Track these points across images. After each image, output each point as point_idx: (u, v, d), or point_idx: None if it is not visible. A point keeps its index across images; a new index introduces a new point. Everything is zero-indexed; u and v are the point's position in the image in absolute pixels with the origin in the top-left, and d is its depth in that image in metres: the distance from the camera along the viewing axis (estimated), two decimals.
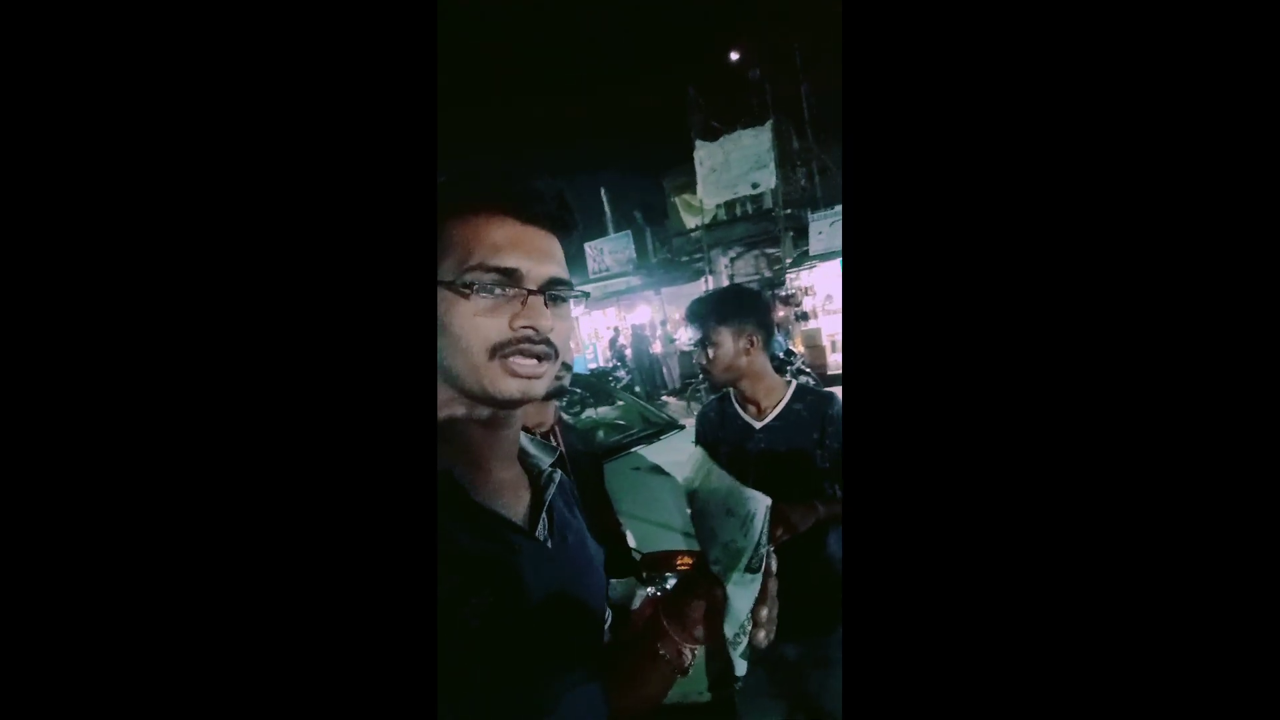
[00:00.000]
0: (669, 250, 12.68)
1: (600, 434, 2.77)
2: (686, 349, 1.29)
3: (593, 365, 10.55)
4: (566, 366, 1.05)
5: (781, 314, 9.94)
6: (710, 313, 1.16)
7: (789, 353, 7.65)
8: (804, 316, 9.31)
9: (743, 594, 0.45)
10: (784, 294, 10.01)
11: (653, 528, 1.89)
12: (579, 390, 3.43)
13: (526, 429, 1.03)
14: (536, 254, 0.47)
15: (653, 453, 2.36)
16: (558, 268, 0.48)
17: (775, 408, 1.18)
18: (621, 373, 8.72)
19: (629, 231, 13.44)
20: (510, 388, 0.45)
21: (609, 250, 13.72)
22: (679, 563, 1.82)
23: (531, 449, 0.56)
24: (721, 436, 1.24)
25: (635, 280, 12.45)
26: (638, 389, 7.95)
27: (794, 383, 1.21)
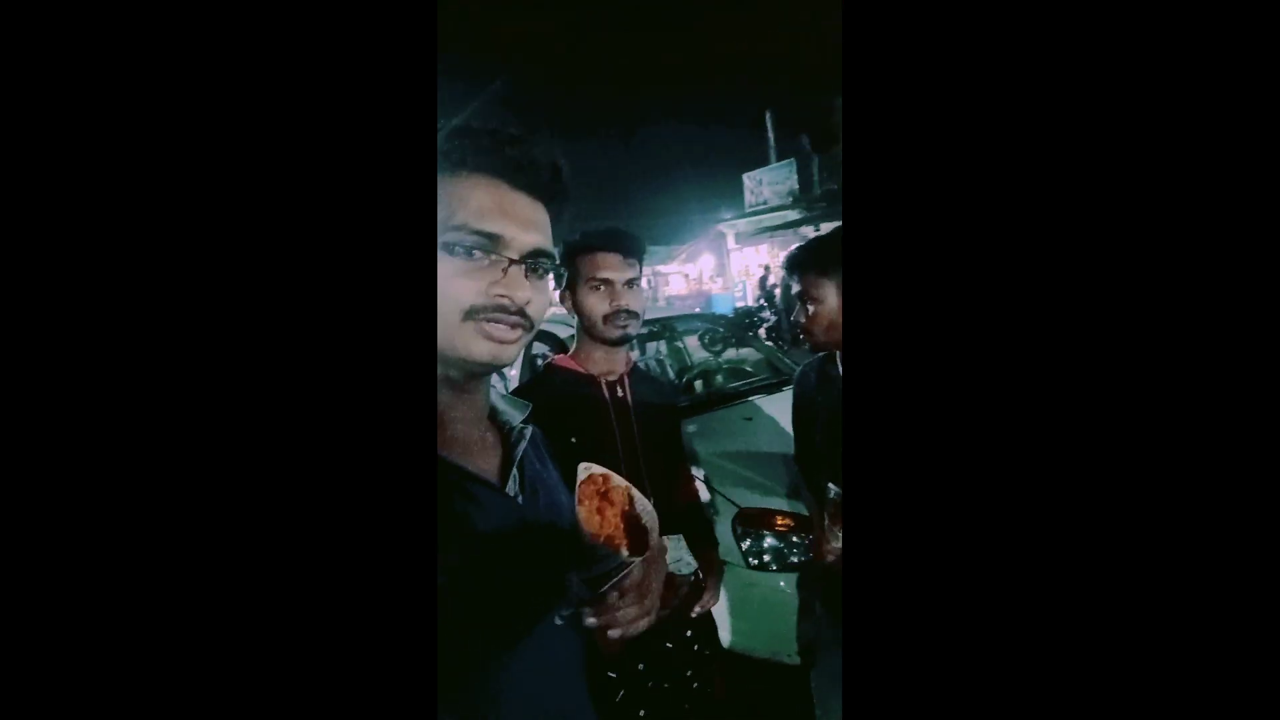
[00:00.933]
0: (836, 181, 11.52)
1: (719, 379, 2.69)
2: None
3: (740, 304, 10.26)
4: (634, 315, 1.00)
5: None
6: (812, 262, 1.00)
7: None
8: None
9: (576, 587, 0.45)
10: None
11: (755, 482, 1.81)
12: (721, 328, 3.38)
13: (591, 377, 1.02)
14: (522, 222, 0.46)
15: (770, 403, 2.23)
16: (542, 238, 0.48)
17: None
18: (767, 313, 8.34)
19: (792, 161, 12.40)
20: (480, 350, 0.45)
21: (768, 181, 12.87)
22: (779, 522, 1.73)
23: (502, 406, 0.55)
24: (821, 401, 1.10)
25: (793, 215, 11.61)
26: (784, 333, 7.60)
27: None
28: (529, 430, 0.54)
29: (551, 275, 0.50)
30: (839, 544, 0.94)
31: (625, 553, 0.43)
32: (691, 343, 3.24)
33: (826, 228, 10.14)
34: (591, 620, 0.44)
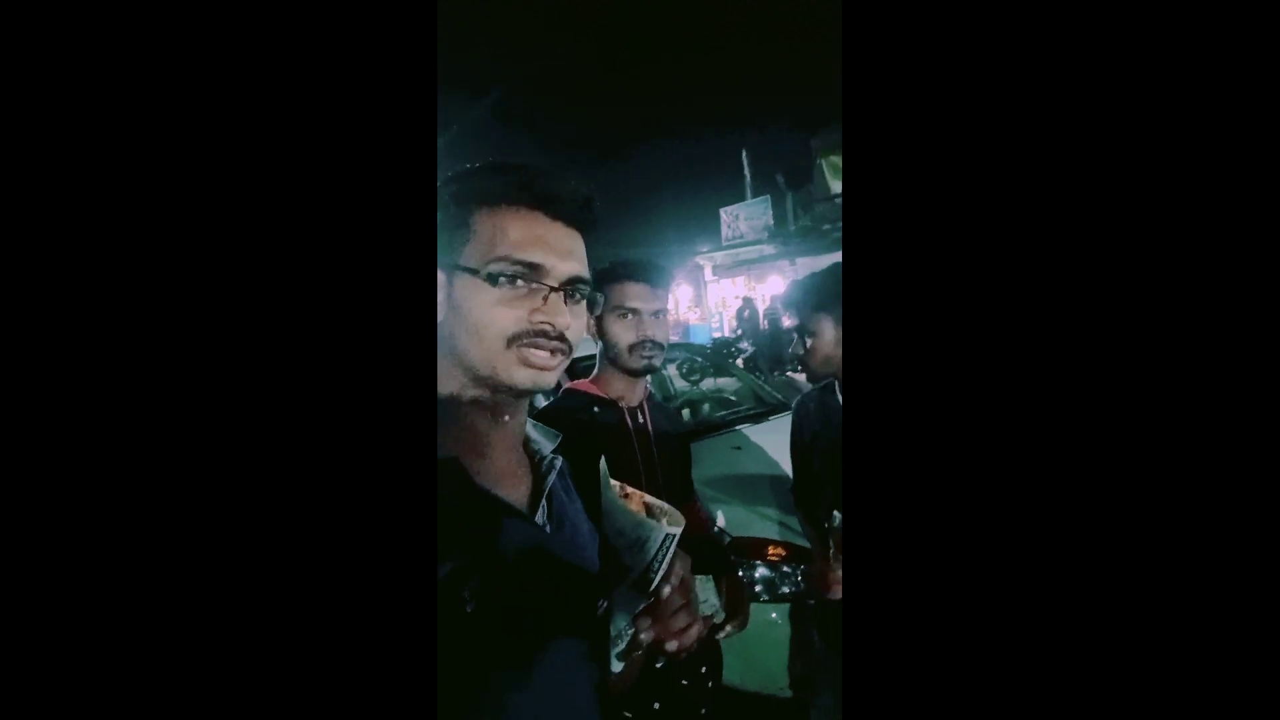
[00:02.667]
0: (810, 218, 11.90)
1: (706, 408, 2.71)
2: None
3: (717, 334, 10.40)
4: (659, 346, 1.01)
5: None
6: (809, 297, 1.03)
7: None
8: None
9: (625, 605, 0.45)
10: None
11: (745, 511, 1.81)
12: (700, 359, 3.42)
13: (607, 400, 1.02)
14: (560, 251, 0.48)
15: (758, 432, 2.25)
16: (579, 265, 0.49)
17: None
18: (745, 344, 8.46)
19: (768, 196, 12.79)
20: (522, 377, 0.46)
21: (744, 216, 13.23)
22: (771, 552, 1.73)
23: (534, 435, 0.55)
24: (819, 431, 1.12)
25: (769, 249, 11.91)
26: (761, 363, 7.70)
27: None
28: (559, 461, 0.55)
29: (587, 301, 0.51)
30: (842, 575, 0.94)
31: (664, 523, 0.43)
32: (670, 371, 3.27)
33: (802, 262, 10.41)
34: (646, 634, 0.44)
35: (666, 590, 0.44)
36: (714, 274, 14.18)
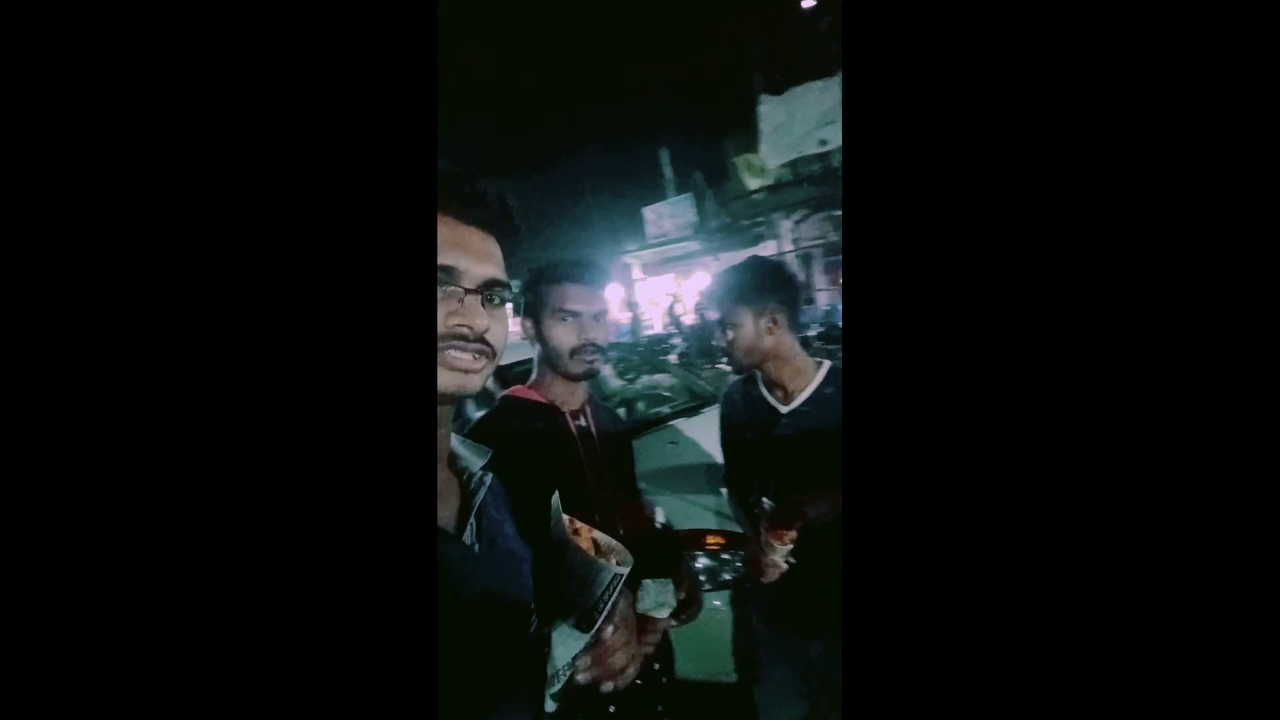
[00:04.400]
0: (729, 214, 12.27)
1: (640, 405, 2.73)
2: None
3: (649, 332, 10.51)
4: (601, 349, 1.00)
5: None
6: (728, 290, 1.07)
7: None
8: None
9: (565, 644, 0.45)
10: None
11: (684, 504, 1.85)
12: (634, 358, 3.43)
13: (547, 406, 1.01)
14: (475, 254, 0.48)
15: (692, 426, 2.30)
16: (496, 269, 0.49)
17: (804, 391, 1.08)
18: (677, 340, 8.61)
19: (690, 195, 13.06)
20: (445, 381, 0.45)
21: (668, 214, 13.43)
22: (709, 541, 1.77)
23: (462, 451, 0.54)
24: (747, 421, 1.16)
25: (693, 246, 12.17)
26: (692, 357, 7.85)
27: (826, 364, 1.11)
28: (489, 478, 0.53)
29: (511, 305, 0.51)
30: (778, 557, 0.98)
31: (613, 562, 0.43)
32: (606, 371, 3.26)
33: (725, 257, 10.71)
34: (584, 675, 0.43)
35: (609, 631, 0.44)
36: (643, 272, 14.33)
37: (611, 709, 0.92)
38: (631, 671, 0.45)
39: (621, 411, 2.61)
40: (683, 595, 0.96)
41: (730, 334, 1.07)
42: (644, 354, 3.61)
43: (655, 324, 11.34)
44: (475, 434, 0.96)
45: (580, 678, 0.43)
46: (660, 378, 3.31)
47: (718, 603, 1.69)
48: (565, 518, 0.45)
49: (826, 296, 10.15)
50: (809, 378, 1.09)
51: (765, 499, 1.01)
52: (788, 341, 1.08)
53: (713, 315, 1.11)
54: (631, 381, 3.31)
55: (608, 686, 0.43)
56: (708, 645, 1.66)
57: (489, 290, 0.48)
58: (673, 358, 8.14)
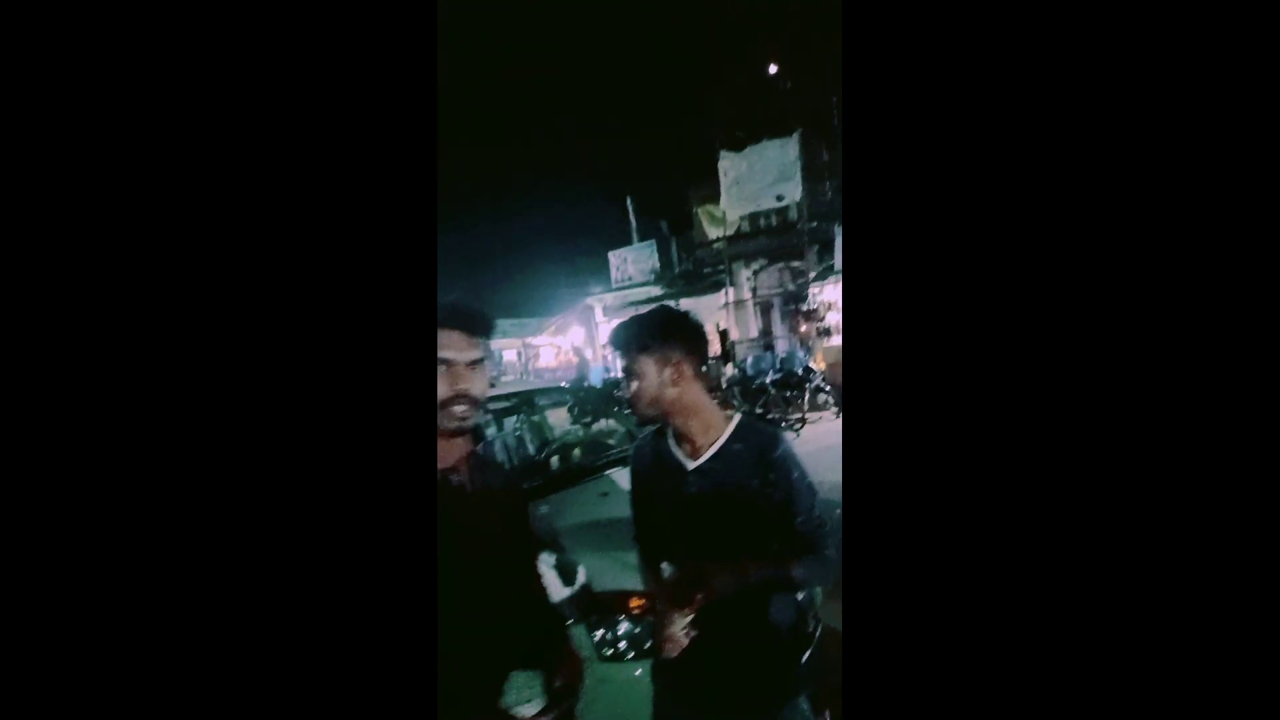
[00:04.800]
0: (692, 261, 12.53)
1: (576, 453, 2.62)
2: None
3: (607, 376, 10.43)
4: (475, 401, 0.91)
5: (804, 329, 9.69)
6: (631, 339, 1.01)
7: (808, 370, 7.41)
8: (827, 333, 9.04)
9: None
10: (806, 309, 9.75)
11: (608, 562, 1.73)
12: (590, 402, 3.35)
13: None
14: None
15: (626, 477, 2.20)
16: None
17: (711, 446, 1.02)
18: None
19: (653, 241, 13.33)
20: None
21: (632, 259, 13.66)
22: (633, 604, 1.66)
23: None
24: (654, 476, 1.08)
25: (656, 290, 12.33)
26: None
27: (736, 418, 1.05)
28: None
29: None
30: (677, 630, 0.88)
31: None
32: (558, 415, 3.15)
33: (686, 303, 10.86)
34: None
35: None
36: (605, 315, 14.40)
37: None
38: None
39: (555, 460, 2.50)
40: (559, 684, 0.85)
41: (634, 384, 1.00)
42: (598, 398, 3.52)
43: (615, 369, 11.30)
44: None
45: None
46: (611, 423, 3.22)
47: (638, 673, 1.56)
48: None
49: (784, 344, 10.34)
50: (718, 432, 1.03)
51: (665, 564, 0.92)
52: (694, 393, 1.01)
53: (621, 363, 1.04)
54: (588, 426, 3.21)
55: None
56: (629, 716, 1.52)
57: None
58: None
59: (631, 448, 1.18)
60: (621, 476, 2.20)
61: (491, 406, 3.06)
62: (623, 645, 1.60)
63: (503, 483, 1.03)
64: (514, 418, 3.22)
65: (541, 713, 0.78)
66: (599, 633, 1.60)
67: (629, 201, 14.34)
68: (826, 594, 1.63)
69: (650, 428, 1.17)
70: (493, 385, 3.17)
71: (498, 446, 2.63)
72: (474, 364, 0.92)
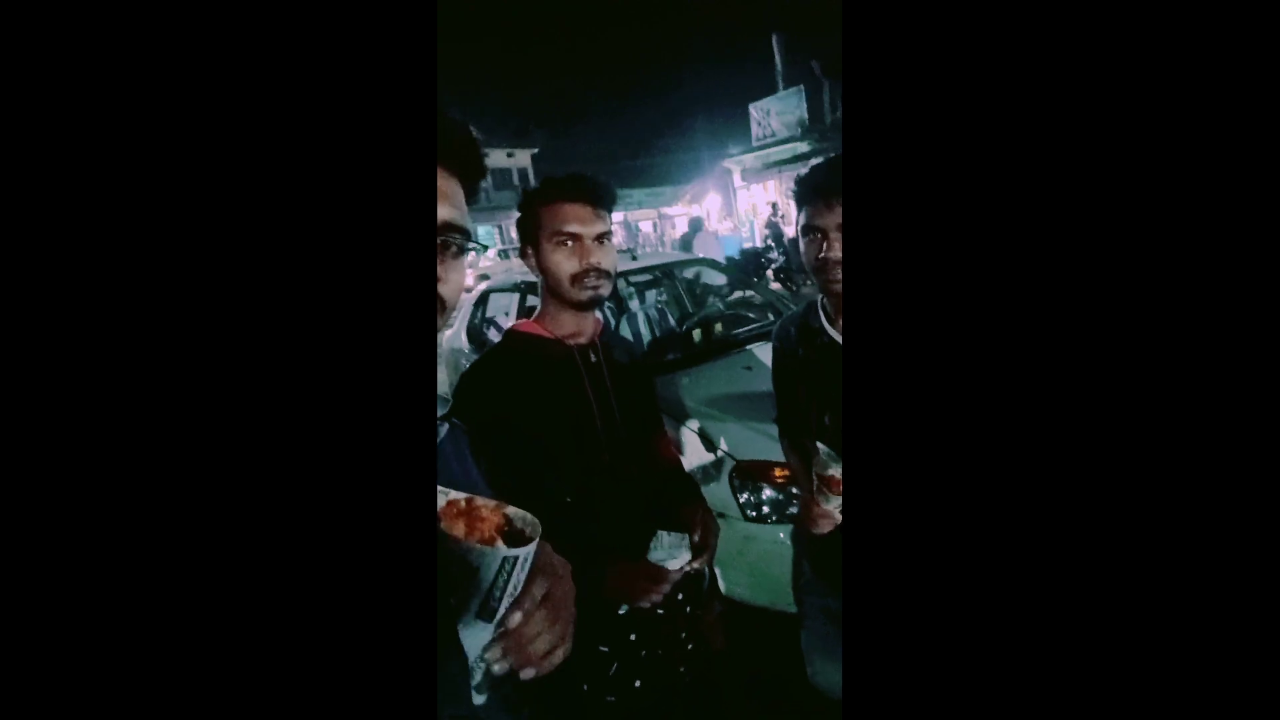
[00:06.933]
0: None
1: (719, 327, 2.61)
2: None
3: (747, 244, 9.96)
4: (606, 274, 0.90)
5: None
6: (814, 190, 0.86)
7: None
8: None
9: (473, 636, 0.39)
10: None
11: (750, 433, 1.77)
12: (735, 270, 3.28)
13: (553, 340, 0.94)
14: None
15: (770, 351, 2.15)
16: (453, 212, 0.44)
17: None
18: (775, 254, 8.08)
19: (801, 87, 11.69)
20: None
21: (776, 111, 12.21)
22: (777, 474, 1.70)
23: None
24: (804, 356, 1.02)
25: (803, 147, 11.05)
26: (792, 273, 7.39)
27: None
28: (443, 427, 0.49)
29: (470, 253, 0.45)
30: (832, 508, 0.88)
31: (502, 546, 0.37)
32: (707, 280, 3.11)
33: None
34: (499, 666, 0.39)
35: (516, 618, 0.38)
36: (743, 179, 13.39)
37: (633, 636, 0.92)
38: (559, 654, 0.40)
39: (697, 334, 2.52)
40: (696, 538, 0.91)
41: (825, 244, 0.86)
42: (739, 268, 3.42)
43: (755, 237, 10.71)
44: (476, 373, 0.93)
45: (496, 669, 0.39)
46: (752, 295, 3.13)
47: (782, 535, 1.64)
48: (444, 500, 0.39)
49: None
50: None
51: (821, 445, 0.89)
52: None
53: (802, 221, 0.91)
54: (726, 297, 3.16)
55: (528, 673, 0.39)
56: (770, 573, 1.64)
57: (442, 236, 0.42)
58: (770, 273, 7.73)
59: (776, 324, 1.11)
60: (764, 351, 2.17)
61: (632, 280, 3.12)
62: (766, 509, 1.68)
63: (630, 359, 1.04)
64: (655, 289, 3.26)
65: (687, 565, 0.85)
66: (744, 495, 1.69)
67: (774, 40, 12.49)
68: None
69: (797, 307, 1.08)
70: (634, 259, 3.20)
71: (640, 319, 2.69)
72: (600, 237, 0.89)
